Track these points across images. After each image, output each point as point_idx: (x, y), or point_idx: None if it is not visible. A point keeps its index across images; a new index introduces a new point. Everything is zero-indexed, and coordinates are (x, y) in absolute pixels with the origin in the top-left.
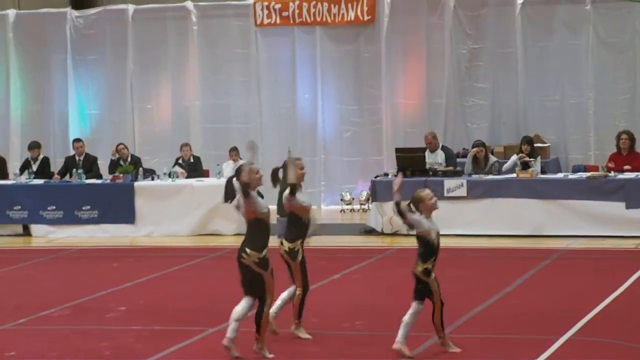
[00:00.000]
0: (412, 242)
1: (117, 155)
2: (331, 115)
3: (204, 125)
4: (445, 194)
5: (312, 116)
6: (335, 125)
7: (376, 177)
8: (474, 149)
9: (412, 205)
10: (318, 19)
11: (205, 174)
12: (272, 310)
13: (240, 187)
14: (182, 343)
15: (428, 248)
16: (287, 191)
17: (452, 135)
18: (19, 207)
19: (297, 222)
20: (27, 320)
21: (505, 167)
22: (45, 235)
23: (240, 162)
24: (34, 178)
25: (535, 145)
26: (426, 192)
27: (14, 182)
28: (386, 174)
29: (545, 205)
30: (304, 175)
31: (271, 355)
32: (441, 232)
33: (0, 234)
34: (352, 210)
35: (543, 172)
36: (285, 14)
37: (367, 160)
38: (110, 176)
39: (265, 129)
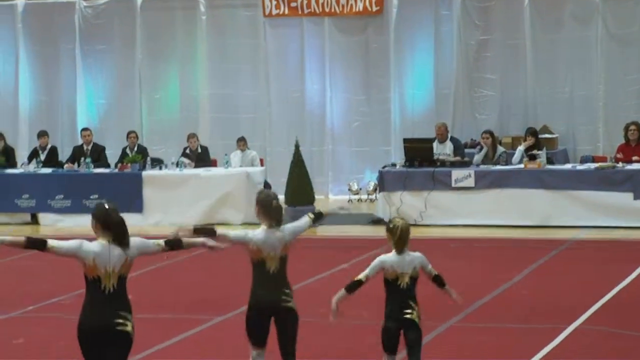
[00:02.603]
0: (420, 232)
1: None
2: (339, 106)
3: (212, 115)
4: (453, 185)
5: (320, 106)
6: (343, 115)
7: (384, 167)
8: (483, 139)
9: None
10: (327, 10)
11: (212, 163)
12: None
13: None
14: (189, 332)
15: None
16: None
17: (460, 126)
18: (27, 195)
19: None
20: (35, 308)
21: (514, 159)
22: (53, 224)
23: (248, 152)
24: (42, 167)
25: (544, 136)
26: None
27: (22, 171)
28: (394, 164)
29: (553, 196)
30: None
31: None
32: (449, 223)
33: (9, 223)
34: (359, 200)
35: (551, 162)
36: (293, 4)
37: (375, 150)
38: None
39: (273, 119)
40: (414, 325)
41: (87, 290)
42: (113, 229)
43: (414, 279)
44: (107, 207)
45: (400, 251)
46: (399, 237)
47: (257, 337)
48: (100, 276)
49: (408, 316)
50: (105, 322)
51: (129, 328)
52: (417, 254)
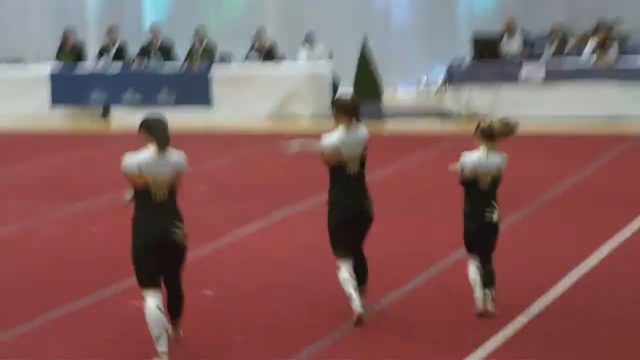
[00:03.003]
0: None
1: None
2: (406, 3)
3: (278, 11)
4: (523, 79)
5: (386, 2)
6: (410, 10)
7: (453, 61)
8: (553, 33)
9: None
10: None
11: (280, 58)
12: None
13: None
14: (263, 221)
15: None
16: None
17: (530, 21)
18: (98, 90)
19: None
20: (105, 202)
21: (584, 53)
22: (124, 118)
23: (316, 46)
24: (112, 62)
25: (616, 30)
26: None
27: (93, 67)
28: (463, 59)
29: (624, 89)
30: None
31: None
32: (519, 117)
33: (81, 116)
34: (428, 94)
35: (623, 57)
36: None
37: (443, 44)
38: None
39: (338, 16)
40: (493, 228)
41: (137, 201)
42: (155, 133)
43: (496, 180)
44: (151, 115)
45: (487, 150)
46: (489, 135)
47: (343, 248)
48: (149, 185)
49: (487, 219)
50: (160, 231)
51: (181, 238)
52: (503, 154)
